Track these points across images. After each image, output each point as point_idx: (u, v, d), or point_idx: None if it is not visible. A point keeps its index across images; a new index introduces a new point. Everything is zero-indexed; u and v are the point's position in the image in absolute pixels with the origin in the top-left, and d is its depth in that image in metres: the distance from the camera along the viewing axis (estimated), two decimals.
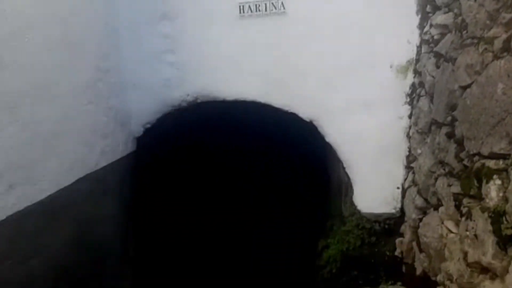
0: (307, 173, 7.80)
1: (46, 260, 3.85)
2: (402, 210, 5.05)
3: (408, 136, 4.88)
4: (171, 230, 7.24)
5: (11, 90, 3.44)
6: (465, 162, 3.33)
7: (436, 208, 4.02)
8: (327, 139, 5.16)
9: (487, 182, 2.89)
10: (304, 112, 5.16)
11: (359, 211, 5.25)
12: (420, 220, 4.39)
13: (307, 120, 5.14)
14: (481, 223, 2.96)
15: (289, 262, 6.71)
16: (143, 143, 5.81)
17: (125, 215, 5.52)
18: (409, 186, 4.84)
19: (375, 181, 5.08)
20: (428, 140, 4.27)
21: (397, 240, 5.07)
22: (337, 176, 6.12)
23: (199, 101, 5.36)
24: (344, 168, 5.25)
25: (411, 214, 4.64)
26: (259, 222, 7.77)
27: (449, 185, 3.59)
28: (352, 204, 5.32)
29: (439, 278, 3.85)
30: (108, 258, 5.04)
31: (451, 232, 3.58)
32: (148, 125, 5.61)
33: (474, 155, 3.17)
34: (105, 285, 4.97)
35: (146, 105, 5.43)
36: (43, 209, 3.81)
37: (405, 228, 4.97)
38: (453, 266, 3.42)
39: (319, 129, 5.15)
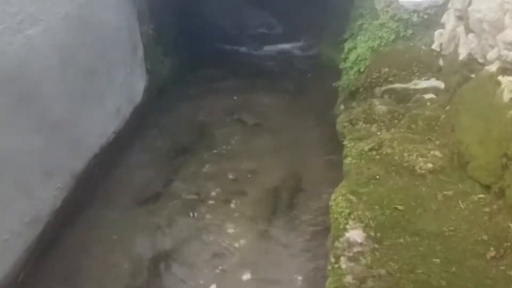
0: None
1: (46, 34, 3.39)
2: None
3: None
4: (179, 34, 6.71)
5: None
6: None
7: None
8: None
9: None
10: None
11: (396, 0, 4.60)
12: None
13: None
14: None
15: None
16: None
17: (129, 7, 4.93)
18: None
19: None
20: None
21: (437, 32, 4.53)
22: None
23: None
24: None
25: None
26: None
27: None
28: None
29: (490, 55, 3.42)
30: (117, 52, 4.62)
31: None
32: None
33: None
34: (118, 80, 4.65)
35: None
36: None
37: (448, 17, 4.40)
38: None
39: None
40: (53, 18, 3.46)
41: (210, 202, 4.08)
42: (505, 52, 3.09)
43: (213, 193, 4.20)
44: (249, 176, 4.43)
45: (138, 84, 5.22)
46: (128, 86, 4.94)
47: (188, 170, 4.52)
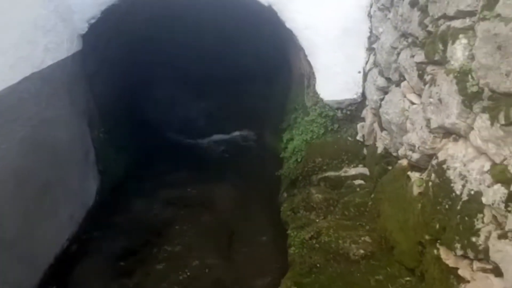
0: (268, 68, 7.57)
1: (3, 161, 3.64)
2: (363, 94, 5.09)
3: (370, 16, 4.75)
4: (130, 132, 7.07)
5: None
6: (429, 28, 3.28)
7: (398, 84, 4.04)
8: (288, 25, 4.94)
9: (453, 43, 2.86)
10: None
11: (322, 100, 5.24)
12: (382, 100, 4.44)
13: (266, 4, 4.86)
14: (445, 86, 2.97)
15: None
16: (90, 42, 5.37)
17: (80, 118, 5.25)
18: (370, 69, 4.82)
19: (337, 67, 5.02)
20: (391, 14, 4.16)
21: (359, 125, 5.17)
22: (299, 67, 6.01)
23: None
24: (306, 56, 5.12)
25: (373, 96, 4.68)
26: None
27: (412, 56, 3.56)
28: (315, 93, 5.29)
29: (400, 152, 3.99)
30: (70, 162, 4.87)
31: (413, 103, 3.63)
32: (93, 20, 5.13)
33: (439, 18, 3.11)
34: (71, 188, 4.86)
35: None
36: None
37: (366, 112, 5.05)
38: (415, 136, 3.51)
39: (279, 14, 4.90)
40: (10, 144, 3.72)
41: None
42: (410, 152, 3.65)
43: None
44: (206, 270, 4.63)
45: (90, 188, 5.43)
46: (81, 191, 5.15)
47: (141, 271, 4.62)
